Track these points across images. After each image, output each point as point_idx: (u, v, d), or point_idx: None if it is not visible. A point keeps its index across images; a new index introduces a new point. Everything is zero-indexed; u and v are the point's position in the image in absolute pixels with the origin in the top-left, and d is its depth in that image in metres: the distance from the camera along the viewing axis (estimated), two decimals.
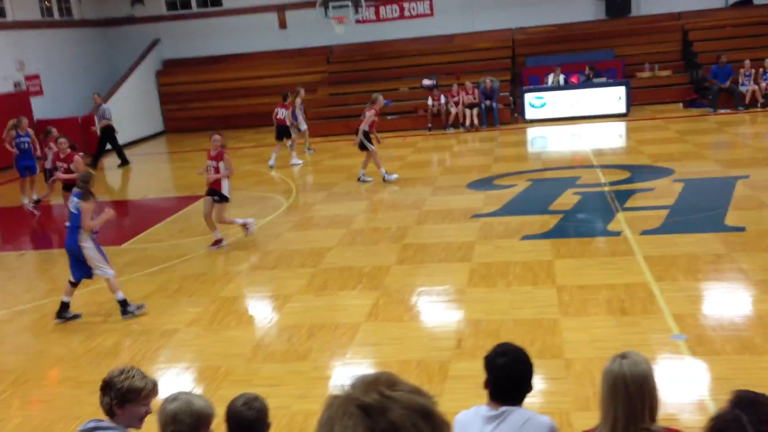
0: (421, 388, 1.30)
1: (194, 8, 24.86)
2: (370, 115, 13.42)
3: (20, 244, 12.32)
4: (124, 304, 7.88)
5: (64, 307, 7.97)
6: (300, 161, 16.56)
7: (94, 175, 8.19)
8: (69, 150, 11.46)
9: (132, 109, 22.73)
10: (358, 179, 13.60)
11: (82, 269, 7.87)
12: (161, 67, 25.11)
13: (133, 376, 3.32)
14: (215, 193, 10.11)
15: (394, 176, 13.53)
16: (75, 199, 7.72)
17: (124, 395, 3.26)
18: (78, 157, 11.59)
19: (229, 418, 3.25)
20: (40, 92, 21.38)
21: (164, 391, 6.10)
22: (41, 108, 20.97)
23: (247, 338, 7.14)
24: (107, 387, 3.35)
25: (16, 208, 14.68)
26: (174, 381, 6.41)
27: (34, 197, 14.27)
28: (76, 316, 7.99)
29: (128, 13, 24.95)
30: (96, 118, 18.60)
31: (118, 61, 24.62)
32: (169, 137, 23.45)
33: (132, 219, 13.64)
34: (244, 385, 6.01)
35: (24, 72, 20.82)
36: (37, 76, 21.32)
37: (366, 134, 13.39)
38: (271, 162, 16.36)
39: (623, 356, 2.92)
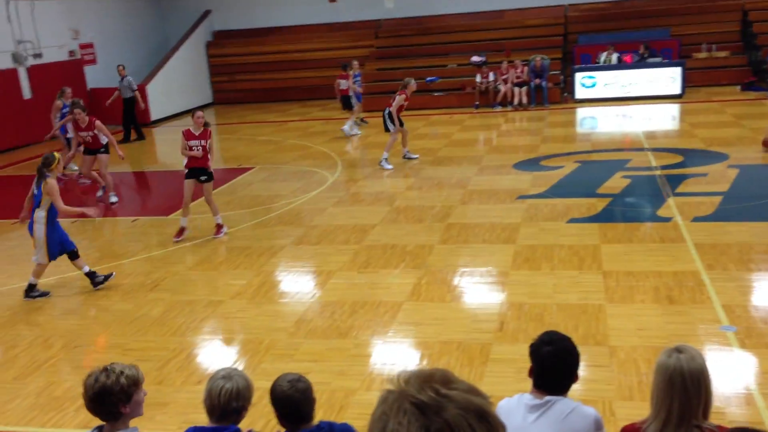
0: (476, 387, 1.28)
1: None
2: (400, 99, 13.23)
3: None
4: (31, 288, 8.05)
5: (91, 275, 8.15)
6: (353, 133, 16.77)
7: (58, 159, 7.98)
8: (87, 119, 11.59)
9: (182, 80, 22.97)
10: (403, 157, 13.55)
11: (61, 243, 8.04)
12: (211, 38, 25.28)
13: (122, 371, 3.17)
14: (203, 172, 9.64)
15: (390, 166, 13.11)
16: (40, 182, 7.80)
17: (127, 391, 3.15)
18: (99, 122, 11.74)
19: (275, 399, 3.25)
20: (93, 61, 21.73)
21: (208, 362, 6.24)
22: (94, 77, 21.34)
23: (289, 313, 7.20)
24: (104, 395, 3.13)
25: (63, 177, 14.99)
26: (218, 353, 6.52)
27: (74, 167, 14.59)
28: (108, 277, 8.18)
29: None
30: (122, 90, 18.29)
31: (169, 32, 24.88)
32: (216, 109, 23.65)
33: (178, 190, 13.81)
34: (285, 359, 6.10)
35: (78, 40, 21.17)
36: (91, 45, 21.66)
37: (391, 116, 13.24)
38: (345, 128, 16.77)
39: (679, 350, 2.85)
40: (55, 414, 5.57)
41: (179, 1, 25.20)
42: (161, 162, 17.13)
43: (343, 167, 13.70)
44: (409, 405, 1.21)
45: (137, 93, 18.51)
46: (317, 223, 10.05)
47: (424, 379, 1.25)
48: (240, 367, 6.05)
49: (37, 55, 19.12)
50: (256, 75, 24.06)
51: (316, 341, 6.49)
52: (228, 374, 3.27)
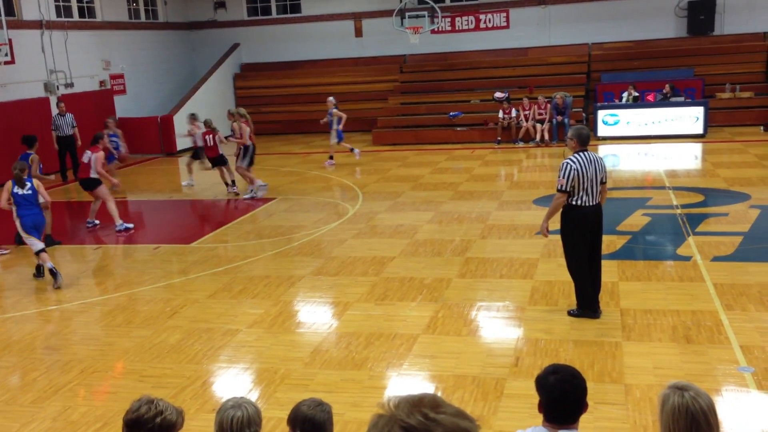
0: (464, 411, 1.31)
1: (274, 14, 25.41)
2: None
3: (98, 238, 12.78)
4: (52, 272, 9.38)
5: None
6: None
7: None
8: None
9: (209, 111, 23.21)
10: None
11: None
12: (239, 70, 25.72)
13: (163, 411, 3.06)
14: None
15: (263, 187, 14.70)
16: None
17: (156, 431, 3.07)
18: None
19: (300, 422, 3.23)
20: (123, 91, 22.19)
21: (223, 391, 6.28)
22: (124, 106, 21.77)
23: (305, 343, 7.24)
24: (135, 425, 3.04)
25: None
26: (233, 381, 6.56)
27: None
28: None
29: (210, 18, 25.67)
30: (62, 127, 17.39)
31: (198, 64, 25.38)
32: None
33: (201, 219, 13.99)
34: (300, 389, 6.12)
35: (109, 71, 21.65)
36: (121, 76, 22.14)
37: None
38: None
39: (684, 388, 2.85)
40: None
41: (208, 34, 25.73)
42: (185, 191, 17.31)
43: (365, 200, 13.79)
44: (399, 429, 1.25)
45: (76, 131, 17.61)
46: (336, 255, 10.12)
47: (414, 403, 1.29)
48: (254, 396, 6.09)
49: (69, 85, 19.57)
50: (282, 107, 24.38)
51: (331, 372, 6.52)
52: (237, 403, 3.28)
